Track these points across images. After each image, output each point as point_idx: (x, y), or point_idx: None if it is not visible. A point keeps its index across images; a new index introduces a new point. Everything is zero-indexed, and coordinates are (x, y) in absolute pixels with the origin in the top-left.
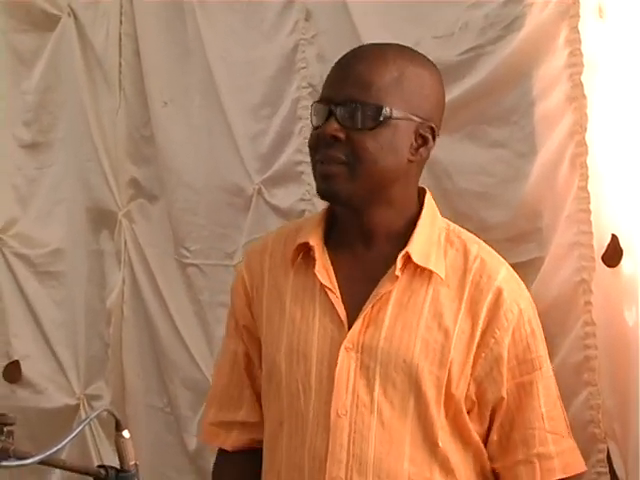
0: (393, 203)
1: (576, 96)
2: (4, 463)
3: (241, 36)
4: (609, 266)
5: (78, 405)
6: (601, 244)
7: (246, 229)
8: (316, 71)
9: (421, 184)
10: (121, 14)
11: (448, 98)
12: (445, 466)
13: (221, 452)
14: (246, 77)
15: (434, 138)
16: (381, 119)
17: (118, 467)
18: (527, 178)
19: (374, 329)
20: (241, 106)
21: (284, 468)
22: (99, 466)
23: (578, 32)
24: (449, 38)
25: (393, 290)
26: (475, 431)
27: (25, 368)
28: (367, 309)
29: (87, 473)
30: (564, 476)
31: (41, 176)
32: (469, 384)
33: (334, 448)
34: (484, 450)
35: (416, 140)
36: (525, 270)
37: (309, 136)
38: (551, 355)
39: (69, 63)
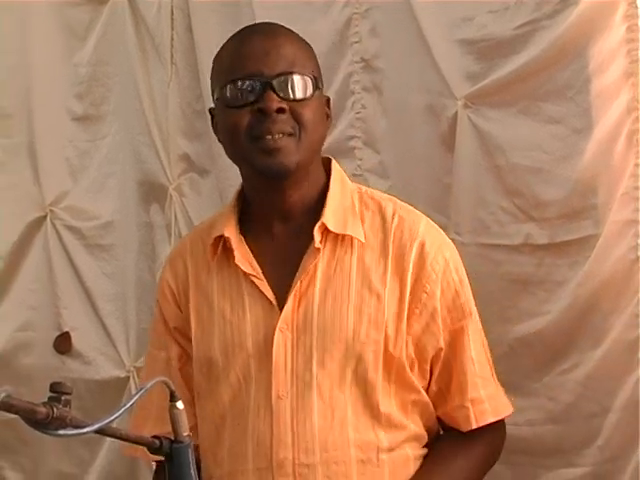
0: (309, 176)
1: (634, 72)
2: (61, 432)
3: (294, 11)
4: None
5: (128, 377)
6: None
7: None
8: (369, 45)
9: (474, 159)
10: None
11: (502, 73)
12: (390, 425)
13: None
14: None
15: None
16: (315, 89)
17: (172, 438)
18: (582, 155)
19: (306, 305)
20: None
21: (227, 461)
22: (153, 437)
23: (637, 7)
24: (504, 12)
25: (318, 263)
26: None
27: (75, 340)
28: (296, 287)
29: (141, 443)
30: (495, 419)
31: (92, 149)
32: (407, 342)
33: (278, 430)
34: (429, 402)
35: (325, 113)
36: (580, 247)
37: (224, 117)
38: (605, 333)
39: (121, 36)
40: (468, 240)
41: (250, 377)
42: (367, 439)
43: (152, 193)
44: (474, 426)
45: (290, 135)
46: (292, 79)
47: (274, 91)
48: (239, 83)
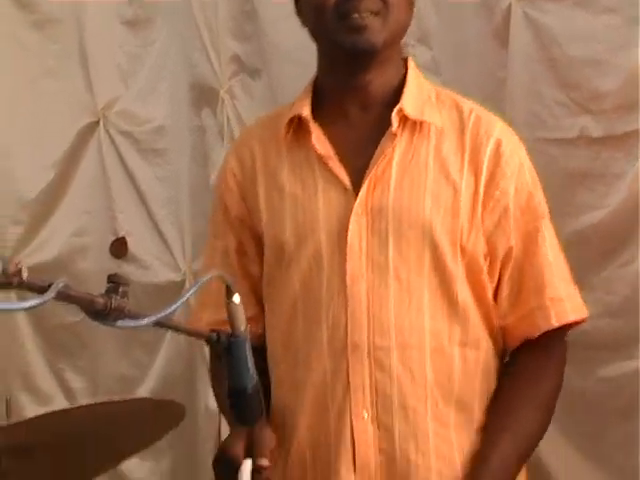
0: (391, 63)
1: None
2: (120, 323)
3: None
4: None
5: (183, 281)
6: None
7: None
8: None
9: (528, 52)
10: None
11: None
12: (465, 319)
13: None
14: None
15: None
16: None
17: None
18: (638, 44)
19: (382, 190)
20: None
21: (302, 347)
22: (212, 330)
23: None
24: None
25: (395, 149)
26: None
27: (131, 244)
28: (372, 171)
29: (199, 336)
30: (575, 319)
31: (143, 53)
32: (480, 237)
33: (353, 313)
34: (494, 311)
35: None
36: (636, 139)
37: None
38: None
39: None
40: (523, 135)
41: (322, 261)
42: (443, 328)
43: (203, 97)
44: (555, 324)
45: (377, 14)
46: None
47: None
48: None
